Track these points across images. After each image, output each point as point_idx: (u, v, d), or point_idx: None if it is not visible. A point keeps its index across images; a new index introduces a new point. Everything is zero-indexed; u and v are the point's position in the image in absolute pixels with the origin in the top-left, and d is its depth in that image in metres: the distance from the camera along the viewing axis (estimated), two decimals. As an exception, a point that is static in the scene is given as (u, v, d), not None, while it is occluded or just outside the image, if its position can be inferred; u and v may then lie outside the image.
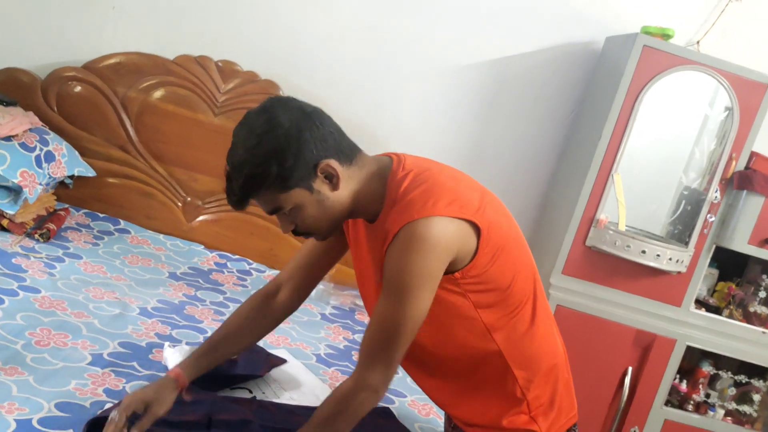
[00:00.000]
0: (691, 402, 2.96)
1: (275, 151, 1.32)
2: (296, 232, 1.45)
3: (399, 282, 1.33)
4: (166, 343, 1.95)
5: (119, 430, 1.40)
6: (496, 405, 1.49)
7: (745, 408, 2.99)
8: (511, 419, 1.48)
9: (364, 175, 1.43)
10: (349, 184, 1.41)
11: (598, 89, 2.94)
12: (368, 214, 1.45)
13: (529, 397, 1.48)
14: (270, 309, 1.69)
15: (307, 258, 1.68)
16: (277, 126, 1.33)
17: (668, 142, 2.96)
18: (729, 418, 2.99)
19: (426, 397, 2.09)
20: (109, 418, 1.42)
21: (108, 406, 1.60)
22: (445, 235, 1.33)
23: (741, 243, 2.80)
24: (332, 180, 1.39)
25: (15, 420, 1.47)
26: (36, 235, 2.43)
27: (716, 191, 2.76)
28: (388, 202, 1.40)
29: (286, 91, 2.92)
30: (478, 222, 1.36)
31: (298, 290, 1.68)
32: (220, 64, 2.89)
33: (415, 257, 1.31)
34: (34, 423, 1.47)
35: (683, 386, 2.97)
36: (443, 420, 1.76)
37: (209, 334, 2.13)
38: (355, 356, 2.27)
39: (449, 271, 1.38)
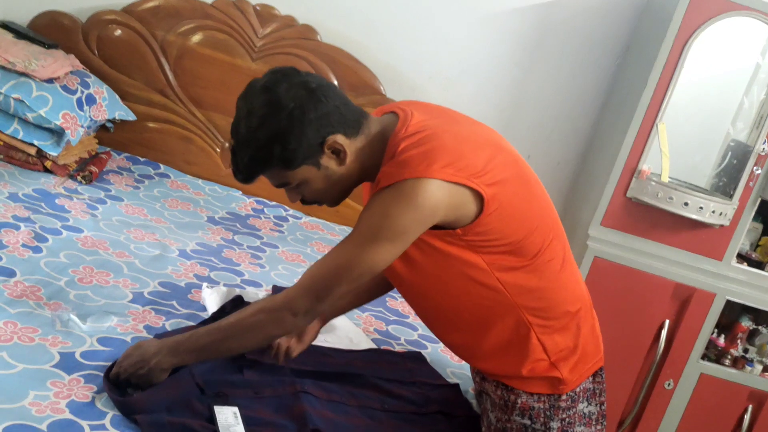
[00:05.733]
0: (729, 357, 2.93)
1: (278, 134, 1.32)
2: (304, 202, 1.46)
3: (369, 227, 1.33)
4: (204, 284, 1.99)
5: (283, 353, 1.58)
6: (514, 354, 1.49)
7: (785, 364, 2.95)
8: (532, 367, 1.48)
9: (368, 140, 1.42)
10: (356, 155, 1.40)
11: (644, 36, 2.85)
12: (371, 176, 1.44)
13: (547, 344, 1.47)
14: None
15: None
16: (279, 107, 1.32)
17: (716, 91, 2.87)
18: (767, 373, 2.95)
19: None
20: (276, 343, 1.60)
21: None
22: (432, 198, 1.30)
23: (788, 197, 2.72)
24: (339, 155, 1.39)
25: (59, 352, 1.52)
26: (78, 177, 2.48)
27: (764, 143, 2.68)
28: (385, 160, 1.38)
29: (323, 36, 2.89)
30: (474, 186, 1.33)
31: None
32: (258, 7, 2.87)
33: (393, 210, 1.31)
34: (77, 356, 1.52)
35: (721, 341, 2.93)
36: None
37: (247, 276, 2.17)
38: (389, 303, 2.29)
39: (445, 227, 1.36)
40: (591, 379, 1.56)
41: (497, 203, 1.36)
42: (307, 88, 1.35)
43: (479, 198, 1.34)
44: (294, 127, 1.33)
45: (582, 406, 1.53)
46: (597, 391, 1.57)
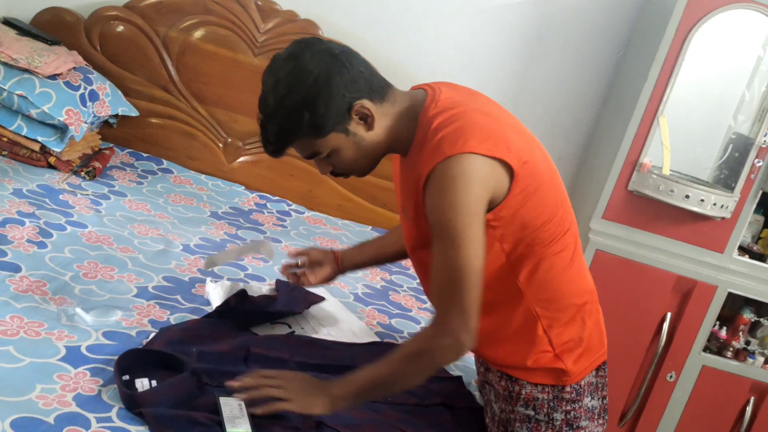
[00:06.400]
0: (730, 349, 2.94)
1: (306, 100, 1.32)
2: (334, 173, 1.46)
3: (445, 227, 1.32)
4: (209, 279, 2.01)
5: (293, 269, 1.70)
6: (520, 345, 1.49)
7: (786, 356, 2.95)
8: (536, 358, 1.49)
9: (397, 112, 1.42)
10: (383, 121, 1.40)
11: (645, 29, 2.85)
12: (402, 149, 1.45)
13: (552, 336, 1.48)
14: None
15: None
16: (305, 73, 1.32)
17: (717, 84, 2.86)
18: (769, 365, 2.96)
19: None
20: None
21: (152, 335, 1.65)
22: (478, 171, 1.31)
23: (790, 189, 2.72)
24: (367, 120, 1.38)
25: (65, 346, 1.53)
26: (82, 173, 2.49)
27: (766, 135, 2.68)
28: (418, 137, 1.39)
29: (325, 31, 2.90)
30: (510, 161, 1.34)
31: None
32: (259, 2, 2.87)
33: (452, 198, 1.30)
34: (83, 350, 1.54)
35: (722, 333, 2.94)
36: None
37: (250, 271, 2.19)
38: (392, 296, 2.30)
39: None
40: (594, 372, 1.57)
41: (525, 183, 1.37)
42: (331, 53, 1.35)
43: (510, 175, 1.35)
44: (321, 92, 1.32)
45: (587, 401, 1.55)
46: (600, 385, 1.58)
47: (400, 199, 1.54)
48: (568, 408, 1.52)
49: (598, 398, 1.57)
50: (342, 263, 1.84)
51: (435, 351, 1.36)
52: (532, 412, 1.52)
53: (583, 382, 1.53)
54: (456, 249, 1.31)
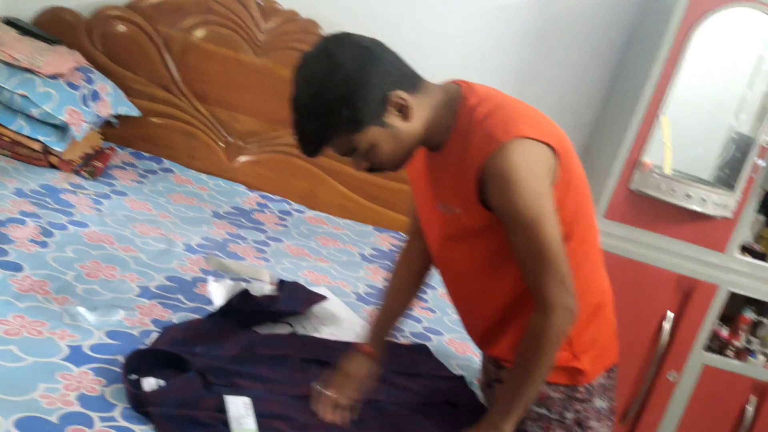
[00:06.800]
0: (732, 348, 2.94)
1: (342, 96, 1.29)
2: (370, 170, 1.43)
3: (521, 214, 1.31)
4: (210, 278, 2.01)
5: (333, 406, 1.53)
6: None
7: (787, 355, 2.95)
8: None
9: (432, 103, 1.40)
10: (419, 112, 1.37)
11: (646, 27, 2.85)
12: (435, 142, 1.43)
13: (572, 335, 1.46)
14: (416, 274, 1.71)
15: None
16: (339, 69, 1.29)
17: (719, 83, 2.86)
18: (770, 365, 2.96)
19: (463, 335, 2.12)
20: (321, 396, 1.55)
21: (154, 335, 1.65)
22: (537, 153, 1.32)
23: (791, 189, 2.73)
24: (403, 111, 1.35)
25: (68, 345, 1.53)
26: (83, 173, 2.49)
27: (767, 134, 2.68)
28: (460, 128, 1.37)
29: (326, 30, 2.89)
30: (557, 148, 1.35)
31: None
32: (260, 2, 2.87)
33: (520, 185, 1.30)
34: (85, 349, 1.54)
35: (724, 332, 2.94)
36: (480, 358, 1.77)
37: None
38: (394, 295, 2.30)
39: None
40: (606, 374, 1.57)
41: (568, 173, 1.38)
42: (361, 46, 1.33)
43: (557, 162, 1.35)
44: (357, 86, 1.30)
45: (597, 402, 1.55)
46: (610, 387, 1.59)
47: (431, 194, 1.50)
48: (579, 408, 1.53)
49: (607, 400, 1.57)
50: (375, 349, 1.69)
51: (557, 333, 1.36)
52: (545, 411, 1.52)
53: (595, 383, 1.54)
54: (538, 233, 1.32)
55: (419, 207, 1.60)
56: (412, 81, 1.38)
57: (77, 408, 1.35)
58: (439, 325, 2.17)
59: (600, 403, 1.55)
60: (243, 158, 2.93)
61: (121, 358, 1.51)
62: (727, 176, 2.82)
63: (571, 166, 1.40)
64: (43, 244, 1.95)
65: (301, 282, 2.12)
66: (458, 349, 2.04)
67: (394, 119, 1.35)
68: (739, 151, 2.79)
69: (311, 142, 1.35)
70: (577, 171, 1.43)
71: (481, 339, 1.63)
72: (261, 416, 1.42)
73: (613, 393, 1.60)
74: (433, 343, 2.04)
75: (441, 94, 1.42)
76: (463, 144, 1.36)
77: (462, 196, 1.40)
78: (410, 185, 1.62)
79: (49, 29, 2.75)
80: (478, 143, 1.33)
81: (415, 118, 1.37)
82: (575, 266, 1.42)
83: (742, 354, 2.95)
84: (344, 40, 1.34)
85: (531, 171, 1.31)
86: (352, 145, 1.36)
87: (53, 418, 1.31)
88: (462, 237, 1.44)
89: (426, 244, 1.62)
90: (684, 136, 2.77)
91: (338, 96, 1.30)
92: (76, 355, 1.51)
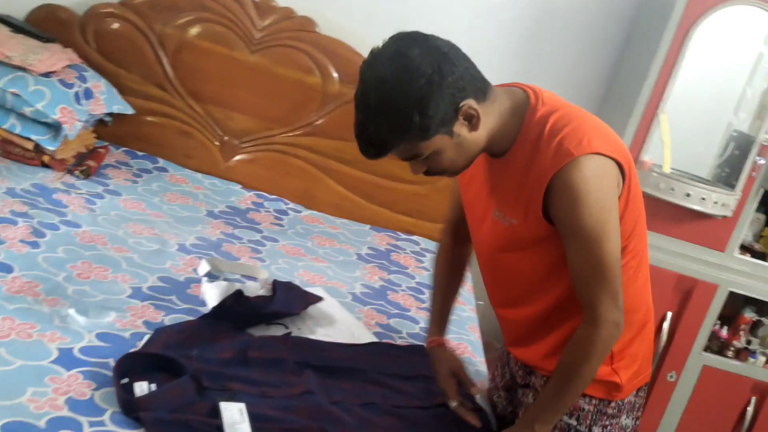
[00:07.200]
0: (732, 348, 2.92)
1: (416, 102, 1.24)
2: (428, 173, 1.40)
3: (586, 227, 1.31)
4: (204, 279, 1.98)
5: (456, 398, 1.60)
6: None
7: (788, 355, 2.93)
8: None
9: (498, 110, 1.37)
10: (485, 120, 1.34)
11: (645, 26, 2.82)
12: (498, 149, 1.40)
13: (614, 349, 1.45)
14: (459, 263, 1.76)
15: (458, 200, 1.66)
16: (417, 72, 1.24)
17: (718, 81, 2.84)
18: (770, 365, 2.94)
19: (461, 335, 2.10)
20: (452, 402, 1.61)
21: (146, 337, 1.63)
22: (608, 170, 1.31)
23: (792, 187, 2.70)
24: (472, 121, 1.32)
25: (57, 348, 1.50)
26: (76, 172, 2.46)
27: (767, 133, 2.66)
28: (529, 137, 1.35)
29: (322, 27, 2.87)
30: (624, 164, 1.34)
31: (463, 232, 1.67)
32: (256, -1, 2.85)
33: (589, 199, 1.29)
34: (75, 352, 1.51)
35: (723, 332, 2.92)
36: (504, 359, 1.75)
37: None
38: (391, 296, 2.28)
39: None
40: (635, 392, 1.55)
41: (630, 190, 1.37)
42: (440, 51, 1.28)
43: (623, 178, 1.35)
44: (433, 93, 1.25)
45: (624, 419, 1.54)
46: (637, 406, 1.57)
47: (487, 200, 1.48)
48: (606, 423, 1.51)
49: (633, 419, 1.56)
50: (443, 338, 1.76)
51: (603, 347, 1.37)
52: (574, 422, 1.51)
53: (625, 400, 1.52)
54: (599, 247, 1.31)
55: (468, 211, 1.58)
56: (482, 89, 1.34)
57: (66, 413, 1.33)
58: (437, 325, 2.15)
59: (626, 420, 1.54)
60: (238, 157, 2.90)
61: (111, 361, 1.49)
62: (727, 175, 2.80)
63: (633, 182, 1.40)
64: (34, 245, 1.92)
65: (297, 282, 2.10)
66: (455, 350, 2.01)
67: (461, 128, 1.32)
68: (739, 149, 2.77)
69: (375, 144, 1.31)
70: (637, 186, 1.42)
71: (515, 341, 1.61)
72: (255, 420, 1.40)
73: (640, 413, 1.59)
74: (430, 345, 2.02)
75: (507, 101, 1.39)
76: (531, 153, 1.34)
77: (523, 206, 1.38)
78: (459, 186, 1.61)
79: (42, 27, 2.72)
80: (549, 155, 1.31)
81: (481, 128, 1.34)
82: (627, 281, 1.40)
83: (742, 354, 2.93)
84: (422, 42, 1.29)
85: (600, 186, 1.30)
86: (416, 151, 1.32)
87: (41, 423, 1.28)
88: (517, 248, 1.43)
89: (466, 233, 1.63)
90: (683, 135, 2.75)
91: (412, 101, 1.24)
92: (66, 358, 1.48)
